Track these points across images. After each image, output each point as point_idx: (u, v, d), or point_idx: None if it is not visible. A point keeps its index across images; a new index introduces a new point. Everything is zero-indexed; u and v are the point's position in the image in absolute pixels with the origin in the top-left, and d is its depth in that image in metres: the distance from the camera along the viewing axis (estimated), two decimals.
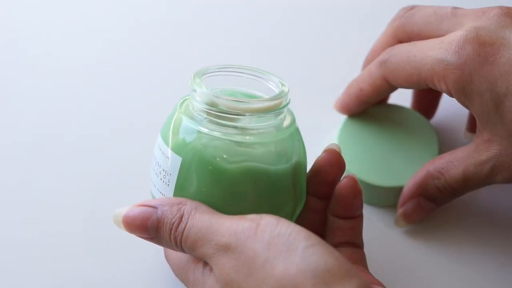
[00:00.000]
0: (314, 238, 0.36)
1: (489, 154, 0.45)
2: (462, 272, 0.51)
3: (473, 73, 0.44)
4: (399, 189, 0.52)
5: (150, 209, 0.41)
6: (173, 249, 0.41)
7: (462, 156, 0.46)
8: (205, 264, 0.40)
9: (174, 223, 0.40)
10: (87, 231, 0.54)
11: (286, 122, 0.43)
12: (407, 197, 0.48)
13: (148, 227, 0.40)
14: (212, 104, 0.41)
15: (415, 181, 0.49)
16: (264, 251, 0.36)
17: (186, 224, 0.39)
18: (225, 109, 0.41)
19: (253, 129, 0.41)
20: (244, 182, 0.40)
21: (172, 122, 0.42)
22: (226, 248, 0.37)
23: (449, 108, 0.59)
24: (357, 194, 0.44)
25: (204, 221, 0.39)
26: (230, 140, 0.40)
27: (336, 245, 0.44)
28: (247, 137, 0.41)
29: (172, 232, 0.40)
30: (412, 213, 0.48)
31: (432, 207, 0.48)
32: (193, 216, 0.39)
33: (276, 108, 0.41)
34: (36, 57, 0.63)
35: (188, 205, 0.40)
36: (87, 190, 0.56)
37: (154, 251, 0.53)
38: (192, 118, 0.42)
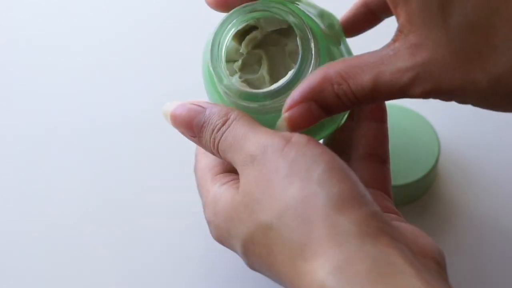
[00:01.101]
0: (335, 162, 0.37)
1: (414, 61, 0.36)
2: (461, 273, 0.51)
3: None
4: (399, 189, 0.52)
5: (199, 108, 0.42)
6: (210, 150, 0.42)
7: (374, 61, 0.38)
8: (227, 180, 0.42)
9: (218, 124, 0.41)
10: (88, 228, 0.54)
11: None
12: (296, 101, 0.39)
13: (194, 125, 0.42)
14: (239, 95, 0.41)
15: (309, 83, 0.39)
16: (285, 167, 0.37)
17: (228, 127, 0.40)
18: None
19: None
20: None
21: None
22: (252, 159, 0.38)
23: (450, 107, 0.59)
24: None
25: (243, 128, 0.40)
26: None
27: (362, 157, 0.44)
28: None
29: (214, 132, 0.41)
30: (299, 119, 0.39)
31: (322, 116, 0.39)
32: (236, 122, 0.40)
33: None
34: (36, 55, 0.63)
35: (236, 113, 0.41)
36: (87, 188, 0.56)
37: (154, 251, 0.53)
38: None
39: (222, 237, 0.41)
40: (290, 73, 0.40)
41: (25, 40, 0.64)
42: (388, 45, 0.38)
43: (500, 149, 0.57)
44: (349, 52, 0.45)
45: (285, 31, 0.43)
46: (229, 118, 0.41)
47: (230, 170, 0.44)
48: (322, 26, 0.43)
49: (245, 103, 0.41)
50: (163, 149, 0.58)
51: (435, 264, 0.36)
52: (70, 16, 0.66)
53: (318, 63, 0.41)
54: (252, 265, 0.40)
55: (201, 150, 0.46)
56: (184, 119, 0.42)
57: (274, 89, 0.40)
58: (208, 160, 0.45)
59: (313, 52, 0.40)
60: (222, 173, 0.43)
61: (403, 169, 0.53)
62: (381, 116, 0.46)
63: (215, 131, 0.41)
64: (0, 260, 0.53)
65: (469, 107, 0.59)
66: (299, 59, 0.40)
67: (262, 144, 0.38)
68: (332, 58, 0.42)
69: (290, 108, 0.39)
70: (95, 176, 0.57)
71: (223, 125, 0.41)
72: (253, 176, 0.38)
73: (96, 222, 0.54)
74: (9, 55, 0.63)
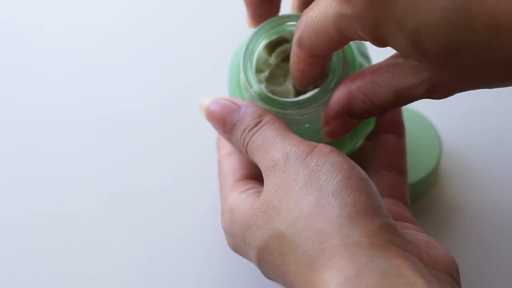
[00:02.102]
0: (354, 171, 0.37)
1: (421, 78, 0.38)
2: (463, 273, 0.51)
3: (377, 17, 0.36)
4: None
5: (234, 106, 0.42)
6: (239, 149, 0.42)
7: (388, 77, 0.39)
8: (246, 188, 0.43)
9: (250, 125, 0.41)
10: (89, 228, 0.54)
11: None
12: (332, 117, 0.41)
13: (227, 121, 0.42)
14: (268, 101, 0.43)
15: (338, 102, 0.41)
16: (305, 177, 0.37)
17: (259, 130, 0.41)
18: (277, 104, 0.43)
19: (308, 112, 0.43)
20: None
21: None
22: (275, 165, 0.39)
23: (450, 107, 0.59)
24: (399, 109, 0.48)
25: (273, 133, 0.40)
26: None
27: (380, 168, 0.45)
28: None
29: (245, 132, 0.41)
30: (338, 130, 0.41)
31: (357, 122, 0.42)
32: (268, 126, 0.41)
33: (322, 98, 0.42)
34: (35, 52, 0.63)
35: (269, 116, 0.42)
36: (88, 186, 0.56)
37: (153, 250, 0.53)
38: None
39: (238, 246, 0.42)
40: (318, 89, 0.42)
41: (24, 39, 0.64)
42: (395, 59, 0.39)
43: (502, 149, 0.57)
44: (364, 55, 0.46)
45: None
46: (261, 121, 0.41)
47: (252, 177, 0.44)
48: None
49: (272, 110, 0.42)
50: (168, 149, 0.58)
51: (448, 276, 0.36)
52: (68, 14, 0.65)
53: (344, 76, 0.42)
54: (266, 274, 0.40)
55: (223, 154, 0.46)
56: (218, 115, 0.42)
57: (304, 99, 0.42)
58: (230, 164, 0.45)
59: (342, 66, 0.42)
60: (243, 179, 0.44)
61: None
62: (399, 130, 0.47)
63: (246, 131, 0.41)
64: None
65: (470, 108, 0.59)
66: (331, 73, 0.42)
67: (286, 151, 0.39)
68: (353, 68, 0.44)
69: (327, 123, 0.41)
70: (98, 175, 0.57)
71: (255, 126, 0.41)
72: (274, 183, 0.38)
73: (100, 220, 0.55)
74: (5, 52, 0.63)
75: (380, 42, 0.37)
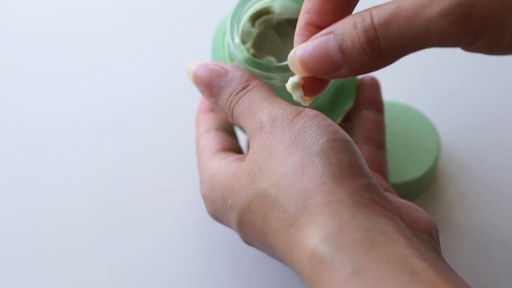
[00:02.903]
0: (339, 133, 0.37)
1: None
2: (461, 271, 0.51)
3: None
4: (398, 186, 0.52)
5: (222, 70, 0.42)
6: (224, 113, 0.42)
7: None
8: (226, 156, 0.43)
9: (237, 89, 0.41)
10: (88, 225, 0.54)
11: None
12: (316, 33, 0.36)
13: (214, 85, 0.42)
14: (253, 64, 0.43)
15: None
16: (291, 137, 0.38)
17: (246, 93, 0.41)
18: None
19: None
20: None
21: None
22: (261, 127, 0.39)
23: (450, 106, 0.59)
24: (378, 86, 0.49)
25: (260, 97, 0.41)
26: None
27: (359, 142, 0.46)
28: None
29: (232, 95, 0.41)
30: (315, 52, 0.36)
31: (339, 65, 0.35)
32: (255, 90, 0.41)
33: None
34: (30, 50, 0.63)
35: (257, 81, 0.42)
36: (83, 185, 0.56)
37: (154, 250, 0.53)
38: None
39: (217, 211, 0.42)
40: None
41: (18, 38, 0.64)
42: None
43: (501, 147, 0.57)
44: None
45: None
46: (249, 85, 0.41)
47: (229, 150, 0.44)
48: None
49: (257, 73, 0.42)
50: (160, 145, 0.58)
51: (428, 237, 0.37)
52: (64, 11, 0.65)
53: None
54: (246, 238, 0.40)
55: (201, 132, 0.46)
56: (205, 79, 0.43)
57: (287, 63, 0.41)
58: (207, 140, 0.45)
59: None
60: (221, 151, 0.44)
61: (403, 167, 0.53)
62: (378, 107, 0.48)
63: (233, 94, 0.41)
64: None
65: (469, 106, 0.59)
66: None
67: (273, 114, 0.39)
68: None
69: (303, 36, 0.37)
70: (90, 173, 0.57)
71: (242, 90, 0.41)
72: (259, 144, 0.39)
73: (92, 218, 0.54)
74: (11, 49, 0.63)
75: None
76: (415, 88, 0.60)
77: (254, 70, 0.42)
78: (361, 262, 0.32)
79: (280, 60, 0.44)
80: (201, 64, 0.43)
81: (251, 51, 0.44)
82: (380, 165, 0.46)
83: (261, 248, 0.40)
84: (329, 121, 0.38)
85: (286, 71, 0.42)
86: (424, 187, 0.55)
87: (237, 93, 0.41)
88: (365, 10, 0.35)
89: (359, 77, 0.49)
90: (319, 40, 0.36)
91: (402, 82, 0.60)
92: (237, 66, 0.43)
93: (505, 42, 0.34)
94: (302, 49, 0.37)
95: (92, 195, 0.55)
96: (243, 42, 0.44)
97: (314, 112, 0.38)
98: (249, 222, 0.38)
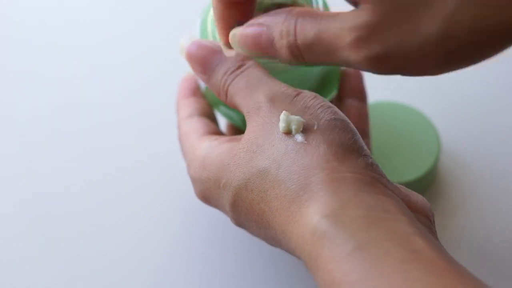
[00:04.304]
0: (340, 114, 0.38)
1: (356, 22, 0.35)
2: None
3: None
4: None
5: (216, 48, 0.42)
6: (217, 91, 0.42)
7: (323, 19, 0.38)
8: (216, 137, 0.42)
9: (232, 67, 0.41)
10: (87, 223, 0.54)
11: None
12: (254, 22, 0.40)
13: (208, 62, 0.42)
14: None
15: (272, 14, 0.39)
16: None
17: (242, 72, 0.41)
18: None
19: None
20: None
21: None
22: (259, 106, 0.39)
23: (450, 106, 0.59)
24: (360, 75, 0.49)
25: (257, 76, 0.40)
26: None
27: None
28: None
29: (226, 74, 0.41)
30: (251, 45, 0.40)
31: (273, 54, 0.39)
32: (252, 69, 0.41)
33: None
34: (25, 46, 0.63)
35: (252, 61, 0.41)
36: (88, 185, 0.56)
37: (153, 251, 0.53)
38: None
39: (208, 191, 0.41)
40: None
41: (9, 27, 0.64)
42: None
43: (501, 148, 0.57)
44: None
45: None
46: (244, 64, 0.41)
47: (214, 133, 0.44)
48: (319, 5, 0.44)
49: None
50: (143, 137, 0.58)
51: (426, 220, 0.37)
52: (53, 7, 0.65)
53: None
54: (238, 219, 0.40)
55: (183, 117, 0.46)
56: (199, 56, 0.42)
57: None
58: (190, 125, 0.45)
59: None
60: (207, 134, 0.44)
61: (403, 167, 0.53)
62: (361, 95, 0.49)
63: (228, 73, 0.41)
64: None
65: (469, 106, 0.59)
66: None
67: (273, 93, 0.39)
68: None
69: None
70: (77, 166, 0.57)
71: (237, 69, 0.41)
72: (258, 123, 0.39)
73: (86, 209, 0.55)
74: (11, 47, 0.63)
75: None
76: (415, 88, 0.60)
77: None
78: (363, 239, 0.32)
79: None
80: (194, 41, 0.43)
81: None
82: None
83: (253, 229, 0.39)
84: (328, 102, 0.38)
85: None
86: (424, 187, 0.55)
87: (232, 71, 0.41)
88: (291, 16, 0.38)
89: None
90: (253, 29, 0.39)
91: (402, 82, 0.60)
92: None
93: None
94: (240, 33, 0.39)
95: (77, 187, 0.55)
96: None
97: (313, 93, 0.39)
98: (245, 201, 0.38)
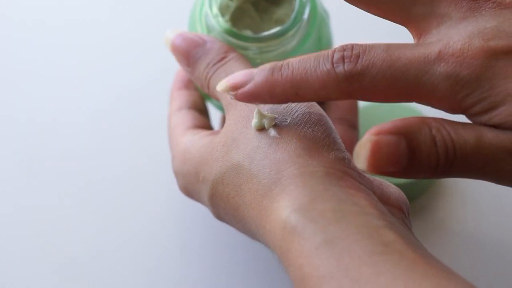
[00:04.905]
0: (314, 107, 0.38)
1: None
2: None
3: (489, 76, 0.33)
4: (399, 186, 0.52)
5: (200, 40, 0.43)
6: (200, 83, 0.42)
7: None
8: (198, 131, 0.42)
9: (214, 60, 0.41)
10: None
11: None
12: (385, 129, 0.33)
13: (191, 55, 0.42)
14: (229, 33, 0.43)
15: (404, 119, 0.35)
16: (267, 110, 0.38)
17: (223, 65, 0.41)
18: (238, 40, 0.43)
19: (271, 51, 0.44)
20: None
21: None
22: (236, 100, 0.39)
23: None
24: None
25: (237, 69, 0.40)
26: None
27: (333, 120, 0.44)
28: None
29: (209, 65, 0.42)
30: (383, 149, 0.33)
31: (403, 164, 0.33)
32: (233, 62, 0.41)
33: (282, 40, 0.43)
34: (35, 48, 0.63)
35: (235, 54, 0.42)
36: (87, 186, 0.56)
37: (154, 250, 0.53)
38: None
39: (189, 185, 0.42)
40: (280, 27, 0.43)
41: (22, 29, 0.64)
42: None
43: None
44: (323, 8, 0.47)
45: (275, 1, 0.45)
46: (227, 56, 0.41)
47: (201, 128, 0.44)
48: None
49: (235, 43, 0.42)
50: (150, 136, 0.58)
51: (399, 212, 0.37)
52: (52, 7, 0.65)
53: (309, 27, 0.43)
54: (217, 212, 0.40)
55: (173, 109, 0.46)
56: (183, 48, 0.42)
57: (266, 34, 0.42)
58: (179, 118, 0.45)
59: (306, 14, 0.43)
60: (193, 128, 0.44)
61: None
62: None
63: (210, 65, 0.41)
64: None
65: None
66: (295, 11, 0.43)
67: None
68: (321, 32, 0.45)
69: (377, 133, 0.33)
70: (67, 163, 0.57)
71: (219, 61, 0.41)
72: (235, 116, 0.39)
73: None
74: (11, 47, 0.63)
75: (483, 110, 0.34)
76: None
77: (231, 39, 0.42)
78: (332, 232, 0.32)
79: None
80: (179, 34, 0.43)
81: (229, 24, 0.44)
82: (352, 145, 0.46)
83: (232, 223, 0.40)
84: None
85: (263, 41, 0.43)
86: (424, 187, 0.55)
87: (214, 64, 0.41)
88: (440, 122, 0.34)
89: None
90: (388, 140, 0.33)
91: None
92: (215, 37, 0.43)
93: None
94: (377, 137, 0.33)
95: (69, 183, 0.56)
96: (222, 15, 0.44)
97: None
98: (222, 194, 0.38)
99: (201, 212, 0.54)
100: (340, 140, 0.37)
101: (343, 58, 0.35)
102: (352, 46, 0.35)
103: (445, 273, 0.31)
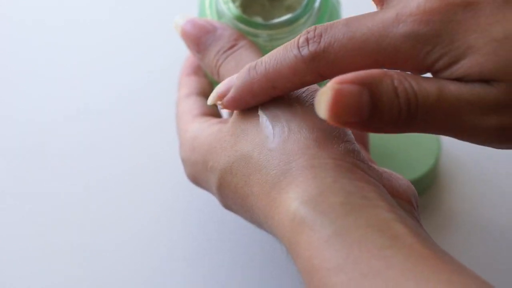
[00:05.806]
0: None
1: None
2: None
3: (452, 30, 0.33)
4: None
5: (210, 27, 0.42)
6: (209, 70, 0.42)
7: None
8: (207, 119, 0.42)
9: (225, 47, 0.41)
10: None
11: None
12: (348, 79, 0.32)
13: (201, 41, 0.42)
14: (239, 19, 0.43)
15: (366, 70, 0.34)
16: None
17: (233, 52, 0.41)
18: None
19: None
20: None
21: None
22: None
23: None
24: None
25: (248, 57, 0.40)
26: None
27: None
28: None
29: (219, 53, 0.41)
30: (345, 98, 0.32)
31: (364, 116, 0.32)
32: (244, 50, 0.41)
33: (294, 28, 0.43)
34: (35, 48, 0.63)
35: (246, 41, 0.41)
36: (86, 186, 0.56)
37: (153, 250, 0.53)
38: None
39: (198, 173, 0.41)
40: (290, 14, 0.42)
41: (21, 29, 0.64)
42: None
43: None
44: None
45: None
46: (237, 44, 0.41)
47: (209, 115, 0.44)
48: None
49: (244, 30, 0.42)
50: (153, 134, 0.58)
51: (408, 205, 0.37)
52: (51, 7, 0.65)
53: (320, 15, 0.43)
54: (225, 202, 0.40)
55: (182, 96, 0.46)
56: (193, 34, 0.42)
57: (276, 22, 0.42)
58: (187, 104, 0.45)
59: (318, 1, 0.42)
60: (201, 115, 0.44)
61: (403, 167, 0.53)
62: None
63: (220, 52, 0.41)
64: None
65: None
66: (305, 1, 0.42)
67: None
68: (332, 21, 0.44)
69: (340, 82, 0.32)
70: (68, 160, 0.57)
71: (229, 49, 0.41)
72: None
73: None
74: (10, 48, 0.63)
75: (444, 65, 0.33)
76: None
77: (242, 26, 0.42)
78: (341, 225, 0.32)
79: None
80: (189, 19, 0.43)
81: (239, 10, 0.43)
82: (363, 137, 0.46)
83: (240, 212, 0.39)
84: (316, 86, 0.38)
85: (273, 29, 0.42)
86: (424, 187, 0.55)
87: (224, 51, 0.41)
88: (402, 75, 0.33)
89: None
90: (351, 89, 0.32)
91: None
92: (225, 24, 0.43)
93: None
94: (338, 86, 0.32)
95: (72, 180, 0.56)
96: (232, 1, 0.44)
97: None
98: (230, 184, 0.38)
99: (201, 212, 0.54)
100: (350, 132, 0.37)
101: (307, 40, 0.35)
102: (315, 27, 0.35)
103: (456, 267, 0.31)
